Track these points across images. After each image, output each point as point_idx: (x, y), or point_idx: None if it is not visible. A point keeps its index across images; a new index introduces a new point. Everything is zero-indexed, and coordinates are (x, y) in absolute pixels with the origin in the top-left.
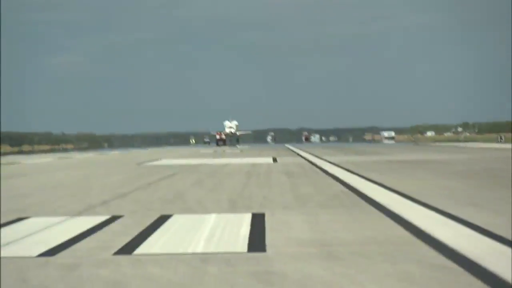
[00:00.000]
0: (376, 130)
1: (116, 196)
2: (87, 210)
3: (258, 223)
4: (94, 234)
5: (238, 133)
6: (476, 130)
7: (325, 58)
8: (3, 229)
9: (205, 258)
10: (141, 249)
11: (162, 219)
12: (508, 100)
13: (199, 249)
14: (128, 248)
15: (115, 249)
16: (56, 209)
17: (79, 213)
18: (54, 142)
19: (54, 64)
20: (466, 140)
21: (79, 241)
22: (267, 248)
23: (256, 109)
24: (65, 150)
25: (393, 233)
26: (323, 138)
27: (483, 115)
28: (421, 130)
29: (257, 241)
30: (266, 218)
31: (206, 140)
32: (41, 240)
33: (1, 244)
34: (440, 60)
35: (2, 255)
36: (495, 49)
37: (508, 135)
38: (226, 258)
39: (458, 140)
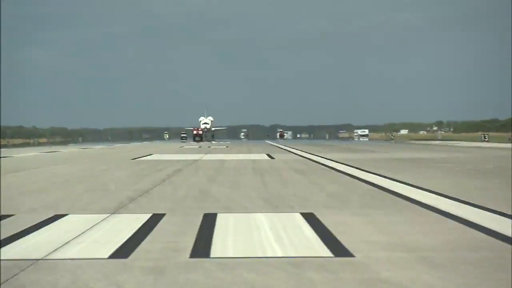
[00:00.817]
0: (350, 128)
1: (139, 193)
2: (121, 208)
3: (315, 223)
4: (151, 234)
5: (213, 129)
6: (451, 129)
7: (299, 55)
8: (47, 228)
9: (293, 262)
10: (216, 252)
11: (209, 218)
12: (482, 100)
13: (279, 252)
14: (202, 251)
15: (187, 251)
16: (88, 205)
17: (116, 211)
18: (26, 136)
19: (24, 58)
20: (444, 138)
21: (141, 241)
22: (353, 252)
23: (229, 106)
24: (40, 144)
25: (472, 236)
26: (298, 135)
27: (456, 114)
28: (395, 128)
29: (334, 244)
30: (321, 218)
31: (183, 135)
32: (98, 240)
33: (56, 243)
34: (414, 59)
35: (69, 256)
36: (468, 49)
37: (492, 134)
38: (319, 263)
39: (435, 139)
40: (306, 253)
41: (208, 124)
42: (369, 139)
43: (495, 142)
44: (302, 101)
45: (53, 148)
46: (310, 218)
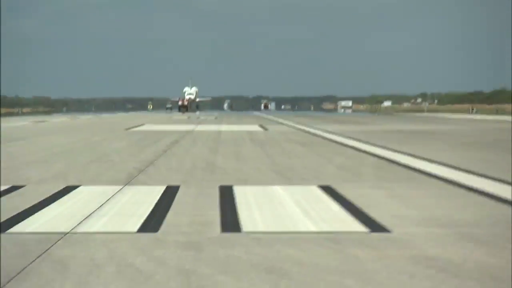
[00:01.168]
0: (334, 99)
1: (145, 164)
2: (132, 179)
3: (337, 196)
4: (173, 207)
5: (197, 99)
6: (436, 101)
7: (284, 26)
8: (64, 200)
9: (331, 237)
10: (247, 226)
11: (226, 190)
12: (465, 72)
13: (312, 227)
14: (231, 225)
15: (215, 225)
16: (97, 177)
17: (128, 182)
18: (9, 106)
19: (6, 27)
20: (430, 110)
21: (165, 214)
22: (388, 227)
23: (213, 76)
24: (24, 114)
25: (505, 212)
26: (283, 107)
27: (439, 86)
28: (379, 100)
29: (365, 219)
30: (341, 192)
31: (168, 106)
32: (120, 212)
33: (79, 215)
34: (398, 30)
35: (96, 229)
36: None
37: (477, 106)
38: (358, 239)
39: (421, 111)
40: (339, 227)
41: (192, 95)
42: (353, 111)
43: (482, 114)
44: (285, 72)
45: (40, 118)
46: (329, 191)
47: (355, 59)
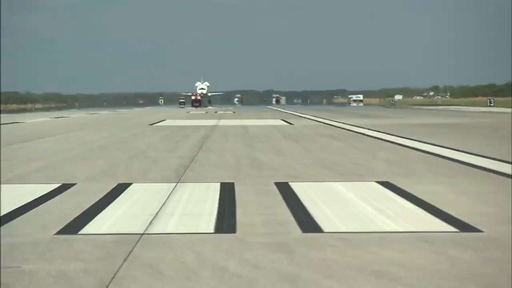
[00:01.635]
0: (344, 93)
1: (186, 161)
2: (181, 176)
3: (403, 193)
4: (238, 205)
5: (209, 94)
6: (448, 94)
7: (294, 20)
8: (123, 198)
9: (422, 237)
10: (326, 226)
11: (283, 187)
12: (476, 64)
13: (395, 226)
14: (310, 225)
15: (292, 225)
16: (145, 174)
17: (179, 179)
18: (21, 102)
19: (17, 23)
20: (444, 103)
21: (233, 213)
22: (476, 226)
23: (223, 70)
24: (37, 110)
25: None
26: (294, 101)
27: (450, 79)
28: (390, 93)
29: (447, 217)
30: (404, 188)
31: (182, 100)
32: (187, 212)
33: (145, 215)
34: (409, 24)
35: (171, 229)
36: (464, 13)
37: (496, 99)
38: (452, 239)
39: (435, 104)
40: (425, 227)
41: (204, 89)
42: (365, 105)
43: (500, 107)
44: (295, 66)
45: (57, 113)
46: (391, 187)
47: (364, 53)
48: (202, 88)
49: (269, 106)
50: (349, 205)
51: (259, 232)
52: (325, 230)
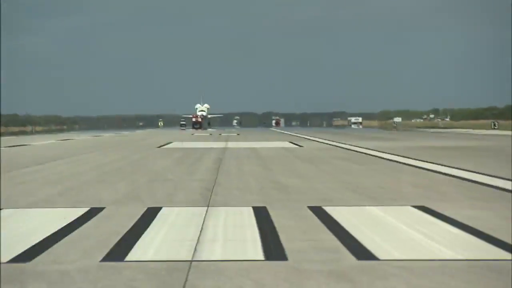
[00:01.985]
0: (343, 115)
1: (209, 184)
2: (208, 199)
3: (445, 218)
4: (279, 231)
5: (209, 116)
6: (448, 117)
7: (292, 42)
8: (157, 224)
9: (486, 267)
10: (380, 253)
11: (317, 211)
12: (476, 87)
13: (452, 253)
14: (360, 251)
15: (341, 251)
16: (171, 197)
17: (208, 203)
18: (21, 124)
19: (16, 45)
20: (446, 126)
21: (276, 238)
22: None
23: (221, 92)
24: (38, 132)
25: None
26: (293, 124)
27: (450, 101)
28: (390, 116)
29: (501, 244)
30: (443, 213)
31: (183, 122)
32: (229, 237)
33: (186, 240)
34: (408, 46)
35: (218, 256)
36: (463, 36)
37: (500, 122)
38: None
39: (436, 127)
40: (485, 255)
41: (204, 111)
42: (366, 127)
43: (505, 130)
44: (294, 88)
45: (61, 136)
46: (430, 212)
47: (363, 75)
48: (202, 110)
49: (271, 129)
50: (393, 231)
51: (312, 259)
52: (380, 257)
